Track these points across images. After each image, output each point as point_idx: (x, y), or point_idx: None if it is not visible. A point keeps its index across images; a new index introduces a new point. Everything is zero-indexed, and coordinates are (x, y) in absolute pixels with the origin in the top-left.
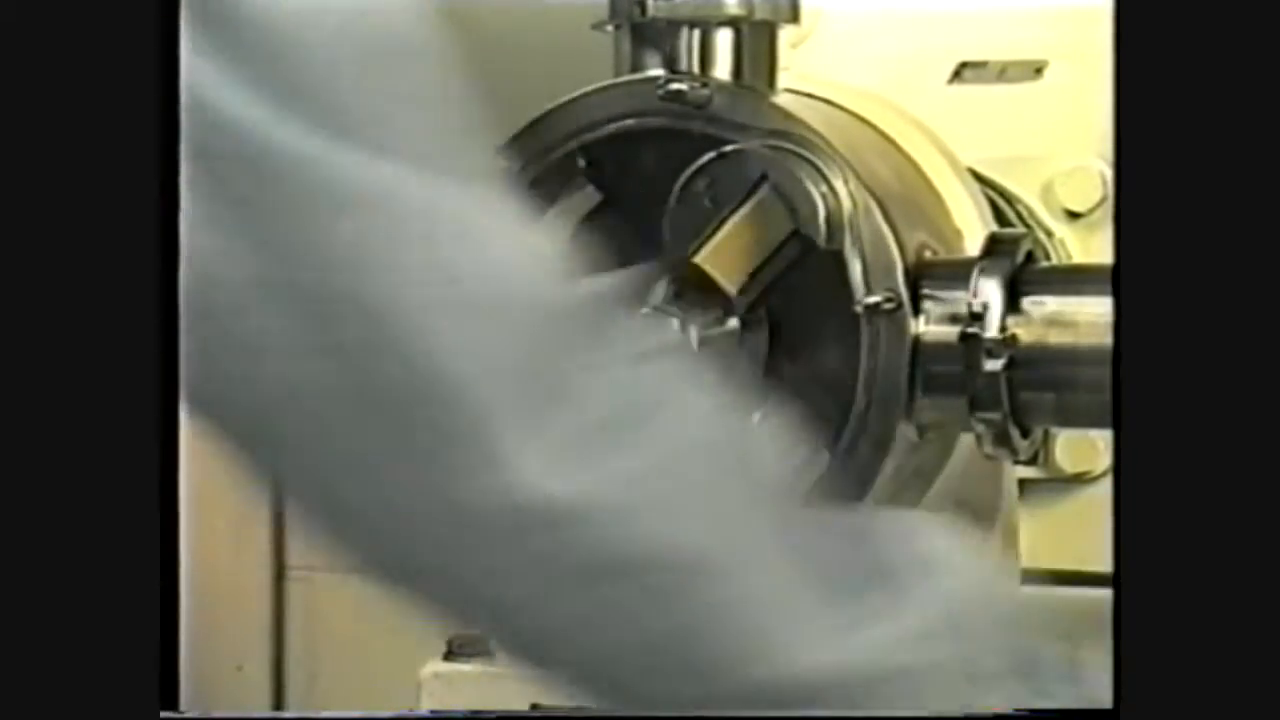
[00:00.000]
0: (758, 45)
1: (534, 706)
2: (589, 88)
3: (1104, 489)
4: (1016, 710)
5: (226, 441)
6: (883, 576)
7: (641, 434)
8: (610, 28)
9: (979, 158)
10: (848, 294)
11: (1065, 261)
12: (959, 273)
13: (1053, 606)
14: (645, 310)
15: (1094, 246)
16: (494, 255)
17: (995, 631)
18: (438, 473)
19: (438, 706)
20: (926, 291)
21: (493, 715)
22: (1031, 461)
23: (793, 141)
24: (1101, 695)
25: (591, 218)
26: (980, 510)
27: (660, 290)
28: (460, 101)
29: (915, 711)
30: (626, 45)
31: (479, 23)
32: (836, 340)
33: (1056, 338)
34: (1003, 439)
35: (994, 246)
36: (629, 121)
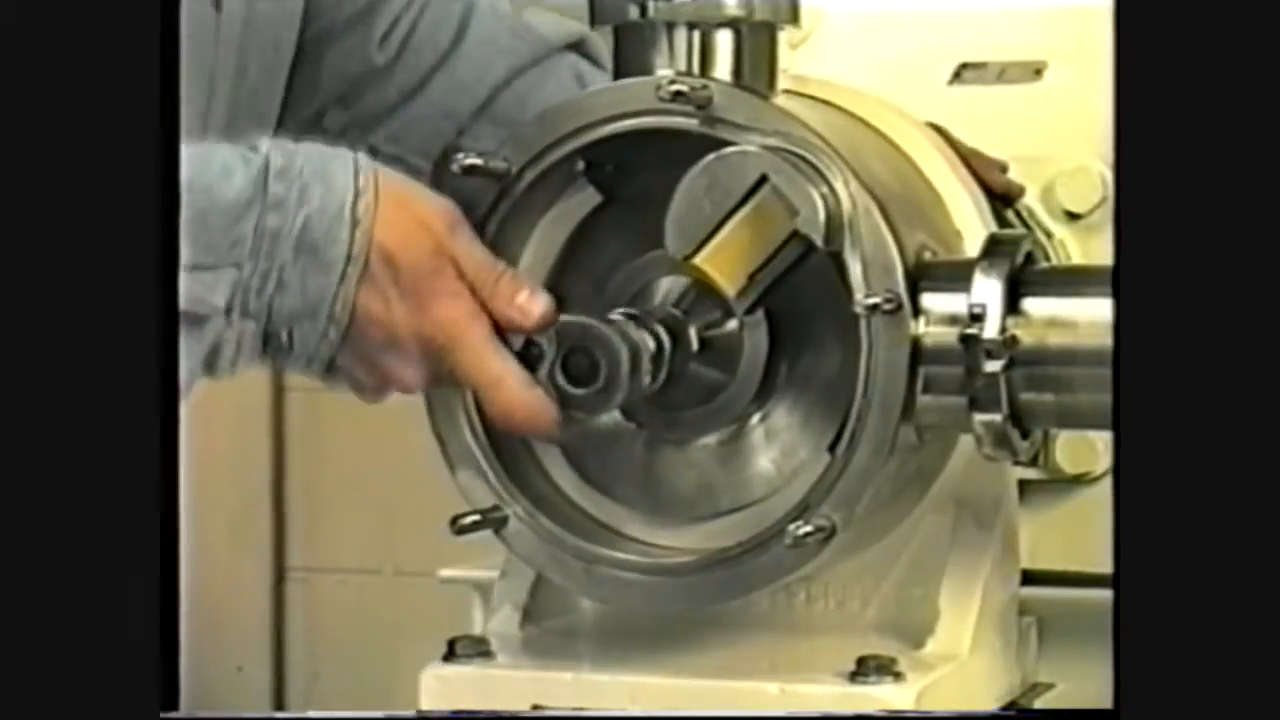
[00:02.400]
0: (758, 46)
1: (534, 707)
2: (589, 89)
3: (1104, 490)
4: (1016, 710)
5: None
6: None
7: None
8: (609, 28)
9: None
10: (848, 295)
11: (1065, 262)
12: (959, 274)
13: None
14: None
15: (1094, 247)
16: None
17: None
18: None
19: (437, 707)
20: (926, 292)
21: (492, 715)
22: (1032, 463)
23: (793, 143)
24: None
25: (592, 218)
26: (980, 511)
27: (662, 291)
28: None
29: (912, 711)
30: (625, 46)
31: None
32: (836, 341)
33: (1056, 339)
34: (1002, 440)
35: (994, 247)
36: (629, 122)
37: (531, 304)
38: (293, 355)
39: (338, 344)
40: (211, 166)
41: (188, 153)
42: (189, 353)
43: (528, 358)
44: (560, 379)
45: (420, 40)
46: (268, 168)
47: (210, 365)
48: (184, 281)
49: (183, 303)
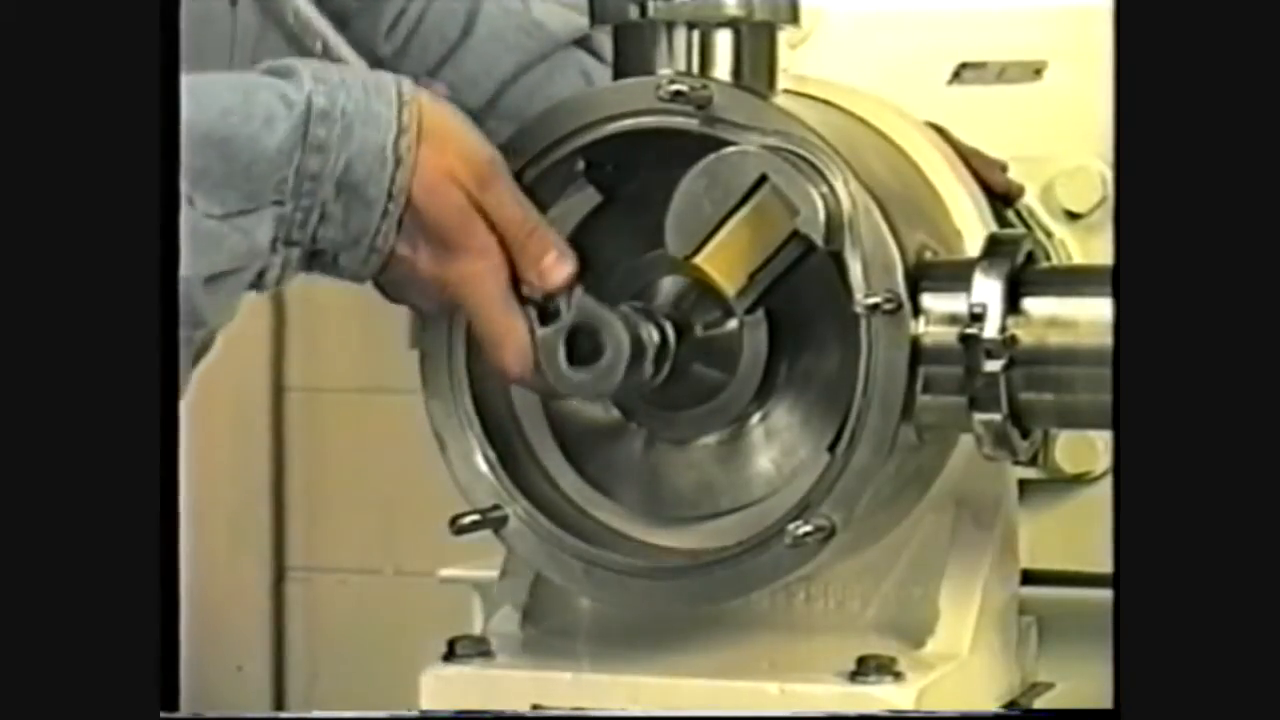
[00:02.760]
0: (757, 46)
1: (534, 707)
2: (589, 88)
3: (1104, 490)
4: (1016, 707)
5: None
6: None
7: None
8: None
9: None
10: (848, 295)
11: (1065, 262)
12: (959, 273)
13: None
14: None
15: (1093, 247)
16: None
17: None
18: None
19: (437, 707)
20: (926, 292)
21: (492, 715)
22: (1031, 462)
23: (793, 142)
24: None
25: (592, 218)
26: (980, 510)
27: (662, 291)
28: None
29: (912, 711)
30: (625, 46)
31: None
32: (836, 341)
33: (1056, 338)
34: (1002, 440)
35: (994, 247)
36: (628, 122)
37: (554, 268)
38: (338, 271)
39: (379, 269)
40: (254, 116)
41: (228, 96)
42: (219, 307)
43: (544, 311)
44: (562, 355)
45: (427, 32)
46: (310, 110)
47: (256, 287)
48: (222, 234)
49: (223, 262)
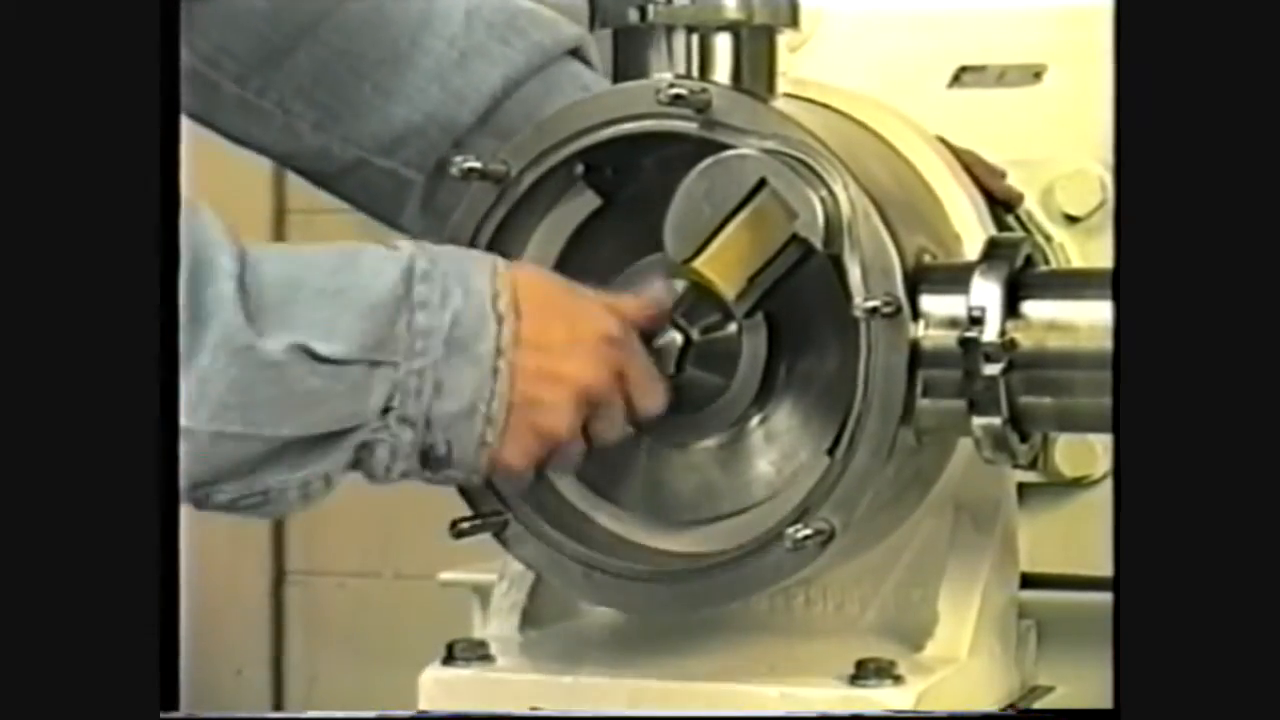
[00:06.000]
0: (757, 50)
1: (532, 709)
2: (588, 92)
3: (1103, 493)
4: (1016, 710)
5: None
6: None
7: None
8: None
9: None
10: (847, 298)
11: (1064, 266)
12: (958, 277)
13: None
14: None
15: (1093, 250)
16: None
17: None
18: None
19: (436, 710)
20: (925, 295)
21: (492, 717)
22: (1030, 466)
23: (792, 146)
24: None
25: (591, 222)
26: (979, 514)
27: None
28: None
29: (912, 711)
30: (625, 49)
31: None
32: (836, 344)
33: (1055, 342)
34: (1002, 443)
35: (993, 250)
36: (628, 126)
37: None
38: (451, 465)
39: (495, 444)
40: (361, 270)
41: (330, 258)
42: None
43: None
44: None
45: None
46: (413, 270)
47: (360, 465)
48: (331, 394)
49: (330, 423)
